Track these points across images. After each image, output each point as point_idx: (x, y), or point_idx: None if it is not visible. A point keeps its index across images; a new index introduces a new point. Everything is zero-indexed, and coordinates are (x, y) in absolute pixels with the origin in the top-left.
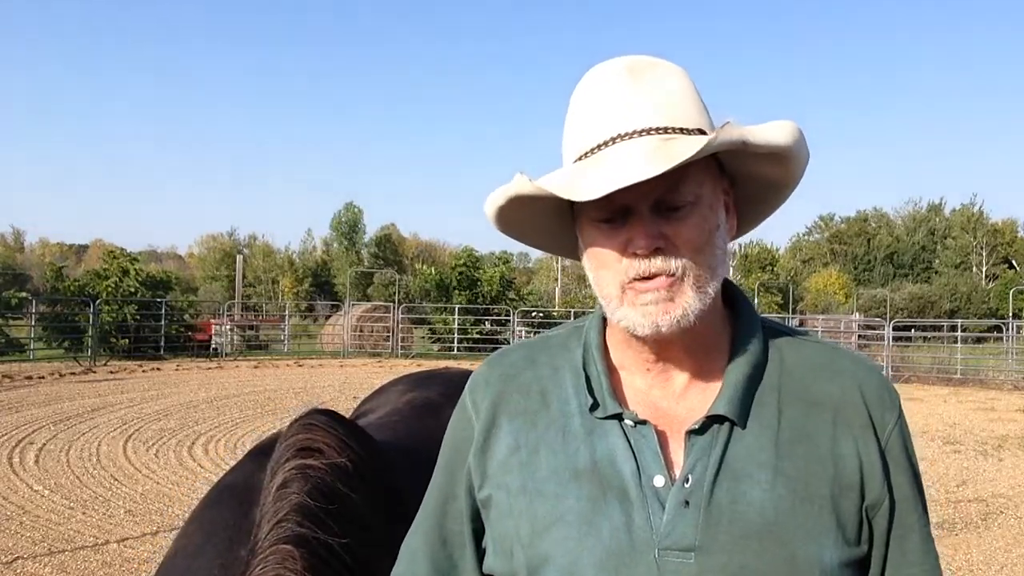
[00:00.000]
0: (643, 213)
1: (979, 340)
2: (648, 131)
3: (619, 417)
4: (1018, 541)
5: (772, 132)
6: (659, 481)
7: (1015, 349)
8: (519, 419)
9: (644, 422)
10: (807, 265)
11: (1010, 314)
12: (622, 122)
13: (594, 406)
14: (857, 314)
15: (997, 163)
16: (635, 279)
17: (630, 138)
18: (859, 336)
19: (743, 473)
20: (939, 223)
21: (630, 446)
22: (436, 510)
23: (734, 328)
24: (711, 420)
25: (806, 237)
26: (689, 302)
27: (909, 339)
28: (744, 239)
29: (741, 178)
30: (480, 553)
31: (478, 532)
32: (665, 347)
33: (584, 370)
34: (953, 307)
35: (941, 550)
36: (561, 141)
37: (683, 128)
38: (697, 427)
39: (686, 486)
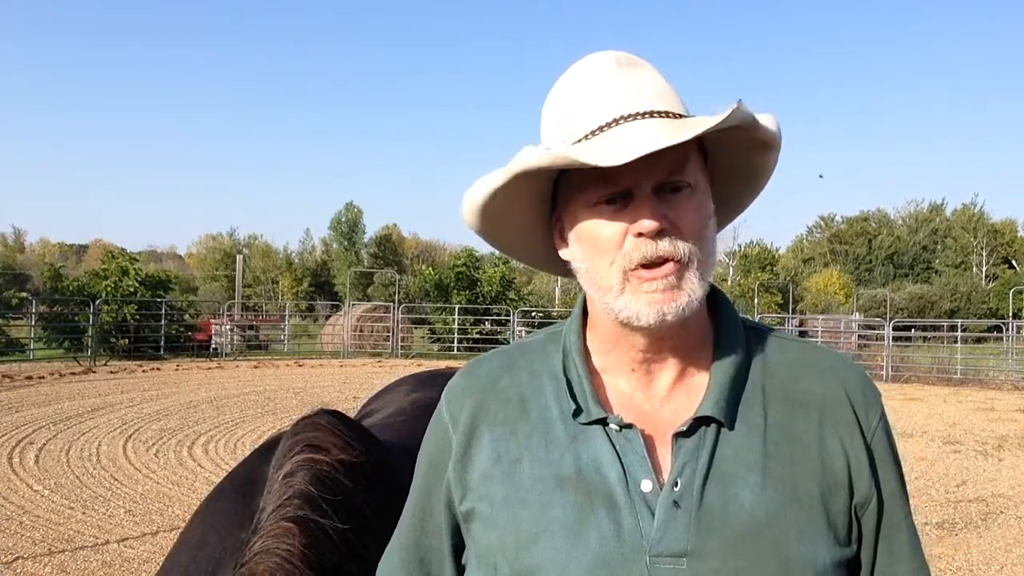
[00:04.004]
0: (647, 194)
1: (979, 340)
2: (652, 113)
3: (603, 422)
4: (1018, 541)
5: (767, 119)
6: (647, 486)
7: (1015, 349)
8: (499, 428)
9: (629, 426)
10: (807, 265)
11: (1010, 314)
12: (625, 104)
13: (577, 411)
14: (857, 314)
15: (997, 163)
16: (640, 265)
17: (635, 119)
18: (859, 336)
19: (732, 475)
20: (940, 223)
21: (615, 451)
22: (413, 527)
23: (716, 328)
24: (698, 422)
25: (807, 237)
26: (694, 289)
27: (909, 339)
28: (744, 239)
29: (719, 174)
30: (460, 570)
31: (458, 548)
32: (658, 343)
33: (565, 374)
34: (953, 307)
35: (941, 550)
36: (541, 129)
37: (680, 114)
38: (684, 429)
39: (675, 490)
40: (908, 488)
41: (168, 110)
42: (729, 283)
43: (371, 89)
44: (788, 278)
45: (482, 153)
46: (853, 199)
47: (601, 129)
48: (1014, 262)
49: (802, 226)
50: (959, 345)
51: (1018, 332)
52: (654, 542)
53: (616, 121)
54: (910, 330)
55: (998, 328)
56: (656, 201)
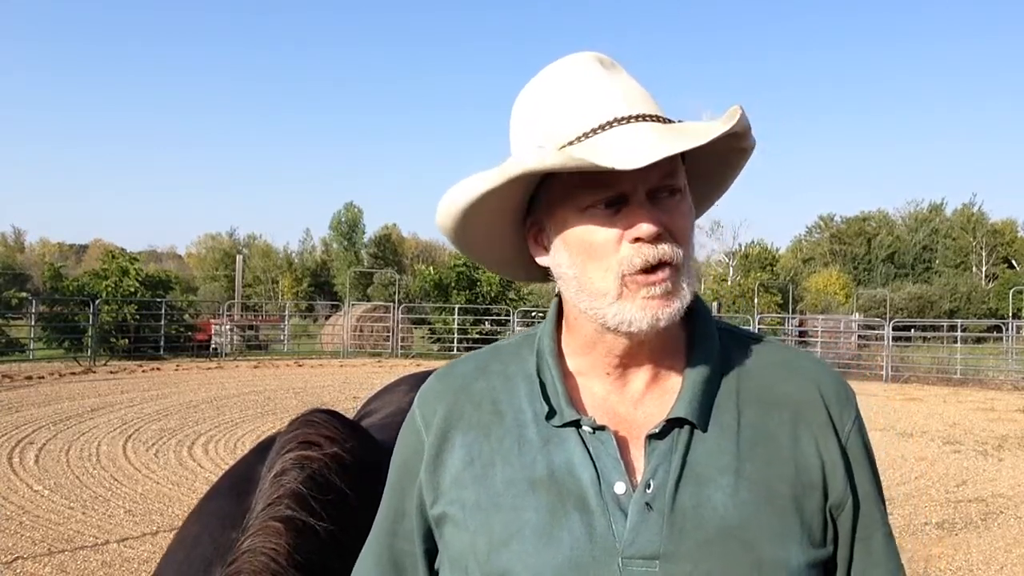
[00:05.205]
0: (642, 199)
1: (979, 340)
2: (645, 116)
3: (576, 424)
4: (1018, 541)
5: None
6: (620, 488)
7: (1015, 349)
8: (472, 432)
9: (602, 428)
10: (807, 265)
11: (1010, 314)
12: (617, 107)
13: (550, 414)
14: (857, 314)
15: (996, 163)
16: (640, 270)
17: (629, 122)
18: (859, 336)
19: (706, 477)
20: (940, 223)
21: (588, 453)
22: (387, 531)
23: (690, 330)
24: (671, 424)
25: (807, 237)
26: (685, 294)
27: (909, 339)
28: (744, 239)
29: (691, 176)
30: (434, 574)
31: (431, 552)
32: (637, 347)
33: (539, 377)
34: (953, 307)
35: (941, 550)
36: (513, 134)
37: (668, 118)
38: (657, 431)
39: (648, 492)
40: (885, 488)
41: (168, 110)
42: (729, 283)
43: (371, 89)
44: (788, 278)
45: (482, 153)
46: (853, 199)
47: (595, 131)
48: (1014, 262)
49: (802, 226)
50: (959, 345)
51: (1018, 332)
52: (626, 544)
53: (611, 124)
54: (910, 330)
55: (998, 328)
56: (651, 206)
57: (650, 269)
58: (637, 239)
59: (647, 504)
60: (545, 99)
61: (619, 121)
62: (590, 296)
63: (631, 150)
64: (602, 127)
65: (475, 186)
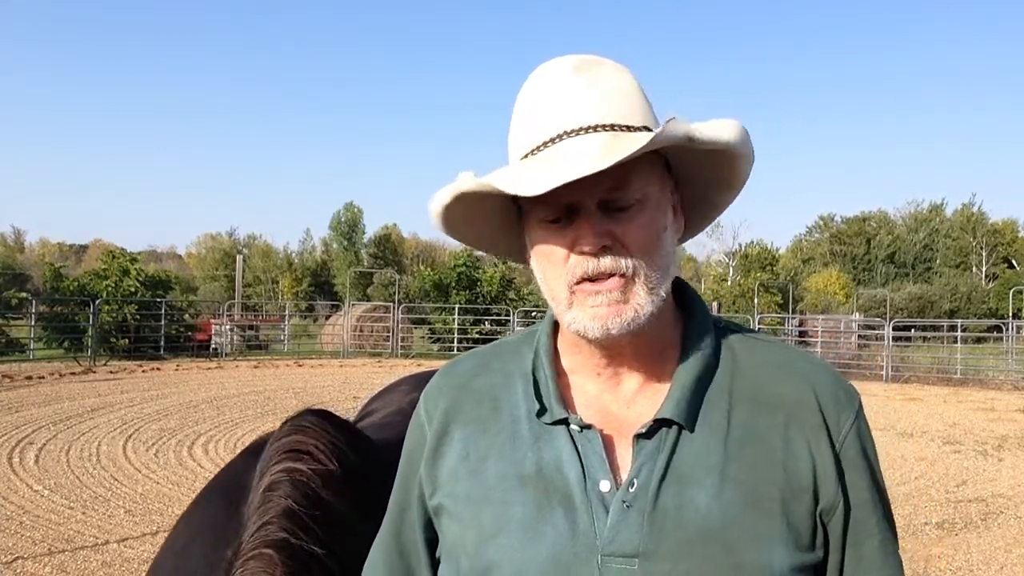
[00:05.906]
0: (590, 211)
1: (979, 340)
2: (595, 128)
3: (566, 422)
4: (1018, 541)
5: (717, 129)
6: (605, 486)
7: (1015, 349)
8: (470, 427)
9: (589, 426)
10: (807, 265)
11: (1010, 314)
12: (569, 119)
13: (541, 411)
14: (857, 314)
15: (996, 163)
16: (583, 279)
17: (576, 135)
18: (859, 336)
19: (690, 477)
20: (940, 223)
21: (576, 451)
22: (394, 521)
23: (685, 330)
24: (659, 424)
25: (807, 237)
26: (641, 303)
27: (909, 339)
28: (744, 239)
29: (687, 179)
30: (436, 563)
31: (432, 542)
32: (615, 351)
33: (533, 375)
34: (953, 307)
35: (941, 550)
36: (508, 139)
37: (629, 126)
38: (644, 431)
39: (631, 490)
40: (888, 492)
41: (168, 110)
42: (729, 283)
43: (371, 89)
44: (788, 278)
45: (482, 153)
46: (853, 199)
47: (545, 145)
48: (1014, 262)
49: (802, 226)
50: (959, 345)
51: (1018, 332)
52: (606, 542)
53: (560, 137)
54: (910, 330)
55: (998, 328)
56: (600, 217)
57: (595, 278)
58: (582, 252)
59: (624, 502)
60: (518, 110)
61: (568, 134)
62: (554, 302)
63: (543, 174)
64: (552, 140)
65: (435, 203)
